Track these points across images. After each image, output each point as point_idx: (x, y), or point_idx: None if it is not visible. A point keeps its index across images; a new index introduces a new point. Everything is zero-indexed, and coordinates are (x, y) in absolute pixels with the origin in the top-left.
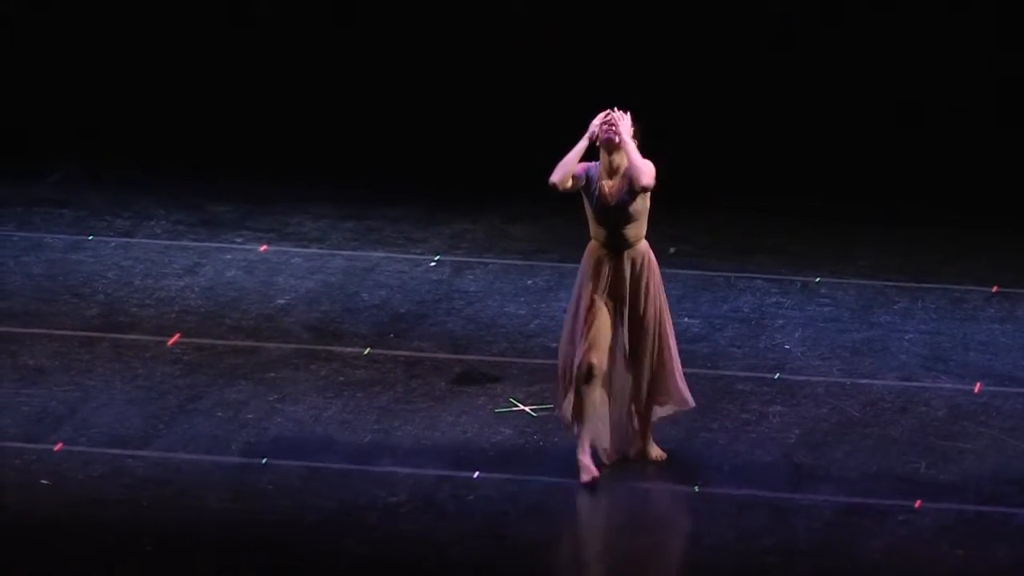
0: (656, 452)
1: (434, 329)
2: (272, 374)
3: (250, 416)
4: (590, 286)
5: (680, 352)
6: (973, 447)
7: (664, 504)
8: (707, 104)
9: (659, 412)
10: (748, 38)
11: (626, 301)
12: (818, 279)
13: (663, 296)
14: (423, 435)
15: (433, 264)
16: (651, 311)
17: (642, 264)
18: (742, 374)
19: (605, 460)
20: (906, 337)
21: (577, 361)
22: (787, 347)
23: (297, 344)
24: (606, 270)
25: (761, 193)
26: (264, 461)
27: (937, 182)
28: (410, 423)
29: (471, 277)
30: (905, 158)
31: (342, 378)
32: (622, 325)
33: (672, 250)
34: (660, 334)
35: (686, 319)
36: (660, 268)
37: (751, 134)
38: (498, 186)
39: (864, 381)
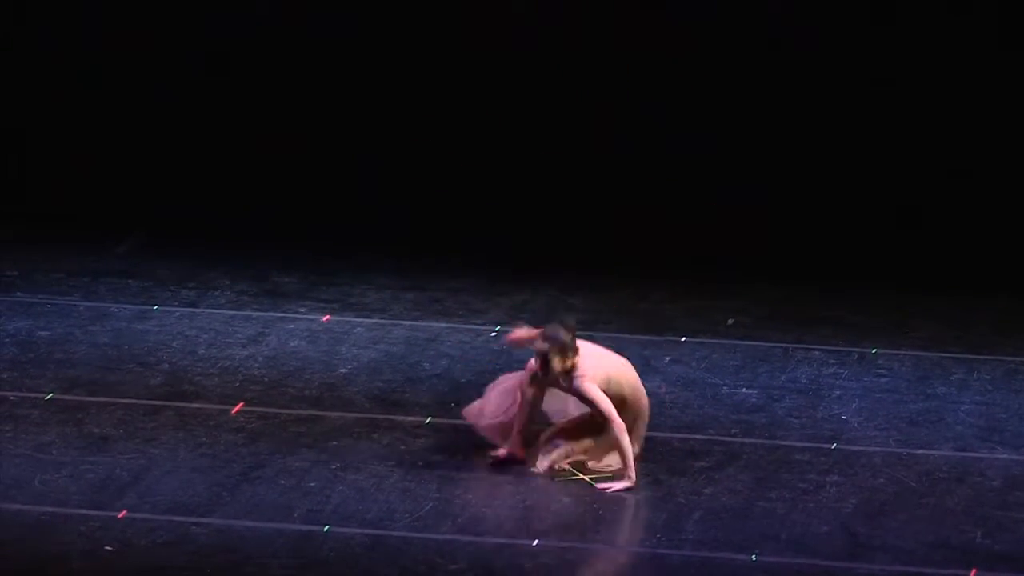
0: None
1: None
2: (334, 443)
3: (312, 484)
4: None
5: (739, 422)
6: None
7: (722, 574)
8: (766, 177)
9: None
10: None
11: None
12: (875, 350)
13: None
14: (483, 503)
15: (494, 334)
16: None
17: None
18: (799, 444)
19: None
20: (962, 408)
21: None
22: (844, 417)
23: (359, 413)
24: None
25: (818, 265)
26: (326, 529)
27: (992, 254)
28: (470, 491)
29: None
30: (960, 230)
31: (403, 446)
32: None
33: (730, 321)
34: None
35: (744, 390)
36: (718, 338)
37: (807, 206)
38: (558, 257)
39: (920, 451)
